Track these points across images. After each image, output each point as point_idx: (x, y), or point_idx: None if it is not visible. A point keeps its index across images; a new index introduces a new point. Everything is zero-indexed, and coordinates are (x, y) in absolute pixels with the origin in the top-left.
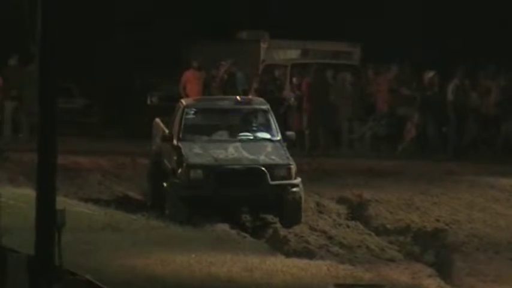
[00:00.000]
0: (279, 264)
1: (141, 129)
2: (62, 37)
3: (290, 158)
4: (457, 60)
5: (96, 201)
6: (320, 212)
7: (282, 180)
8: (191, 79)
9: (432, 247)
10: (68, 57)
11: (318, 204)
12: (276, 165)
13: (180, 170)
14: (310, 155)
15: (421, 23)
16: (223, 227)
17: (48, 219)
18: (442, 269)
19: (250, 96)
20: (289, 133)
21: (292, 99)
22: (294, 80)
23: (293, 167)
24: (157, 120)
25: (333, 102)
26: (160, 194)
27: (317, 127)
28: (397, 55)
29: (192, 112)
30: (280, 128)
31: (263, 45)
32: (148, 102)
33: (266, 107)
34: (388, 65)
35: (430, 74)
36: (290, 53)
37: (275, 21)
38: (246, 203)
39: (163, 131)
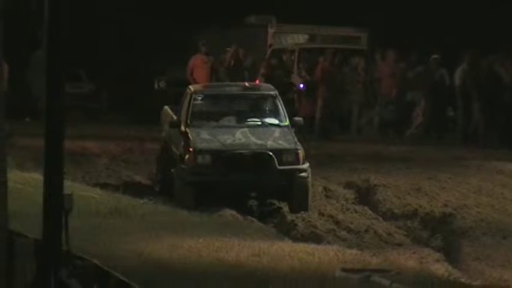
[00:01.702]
0: (286, 249)
1: (148, 114)
2: (70, 22)
3: (298, 143)
4: (466, 45)
5: (104, 186)
6: (328, 196)
7: (289, 165)
8: (199, 64)
9: (440, 232)
10: (75, 42)
11: (325, 189)
12: (284, 150)
13: (187, 156)
14: (320, 139)
15: (430, 7)
16: (230, 212)
17: (55, 203)
18: (450, 254)
19: (257, 82)
20: (297, 118)
21: (302, 85)
22: (301, 64)
23: (301, 152)
24: (166, 107)
25: (345, 88)
26: (168, 180)
27: (331, 112)
28: (404, 40)
29: (200, 98)
30: (288, 114)
31: (271, 30)
32: (156, 87)
33: (274, 92)
34: (395, 50)
35: (433, 56)
36: (298, 38)
37: (283, 6)
38: (254, 188)
39: (172, 118)
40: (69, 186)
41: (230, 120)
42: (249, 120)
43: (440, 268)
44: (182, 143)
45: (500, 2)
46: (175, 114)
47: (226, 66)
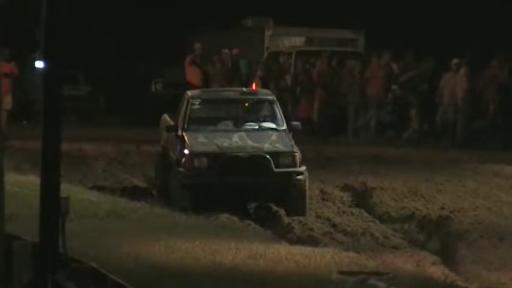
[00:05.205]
0: (283, 252)
1: (145, 116)
2: (67, 24)
3: (295, 146)
4: (465, 48)
5: (101, 189)
6: (324, 199)
7: (286, 168)
8: (192, 67)
9: (437, 235)
10: (73, 44)
11: (322, 191)
12: (281, 153)
13: (184, 159)
14: (319, 142)
15: (428, 10)
16: (227, 215)
17: (52, 206)
18: (447, 257)
19: (254, 86)
20: (295, 123)
21: (299, 88)
22: (300, 66)
23: (297, 155)
24: (165, 115)
25: (341, 90)
26: (166, 185)
27: (327, 115)
28: (401, 42)
29: (198, 103)
30: (286, 118)
31: (267, 33)
32: (153, 89)
33: (272, 97)
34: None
35: (454, 61)
36: (294, 40)
37: (280, 8)
38: (250, 191)
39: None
40: (66, 188)
41: (227, 124)
42: (246, 124)
43: (437, 271)
44: (179, 147)
45: (498, 5)
46: (173, 120)
47: (223, 68)
